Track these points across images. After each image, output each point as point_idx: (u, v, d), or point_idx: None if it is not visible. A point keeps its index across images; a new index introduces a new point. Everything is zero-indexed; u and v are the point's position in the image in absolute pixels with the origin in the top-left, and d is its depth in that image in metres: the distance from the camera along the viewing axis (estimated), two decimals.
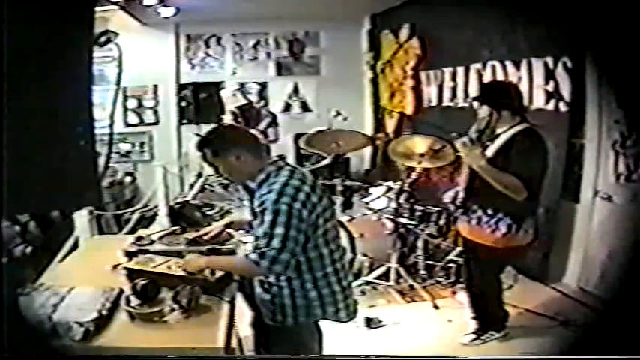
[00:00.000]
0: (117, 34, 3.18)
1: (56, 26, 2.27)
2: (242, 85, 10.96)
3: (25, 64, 2.23)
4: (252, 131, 7.85)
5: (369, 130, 11.38)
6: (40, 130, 2.30)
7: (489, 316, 5.37)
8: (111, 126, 3.03)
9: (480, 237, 4.99)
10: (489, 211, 4.89)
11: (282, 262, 3.36)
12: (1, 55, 2.13)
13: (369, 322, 5.80)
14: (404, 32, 9.73)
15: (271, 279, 3.63)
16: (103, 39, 3.11)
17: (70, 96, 2.36)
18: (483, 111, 4.87)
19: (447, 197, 5.33)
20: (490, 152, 4.82)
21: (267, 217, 3.38)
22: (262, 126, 8.87)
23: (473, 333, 5.38)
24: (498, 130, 4.86)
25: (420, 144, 7.09)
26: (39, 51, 2.25)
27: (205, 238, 4.23)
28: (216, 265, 3.71)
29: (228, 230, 4.32)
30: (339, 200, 7.68)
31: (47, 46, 2.26)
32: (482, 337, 5.35)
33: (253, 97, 10.83)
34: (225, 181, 8.47)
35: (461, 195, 5.14)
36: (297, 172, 3.62)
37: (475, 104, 5.03)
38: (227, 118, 9.16)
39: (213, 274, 3.61)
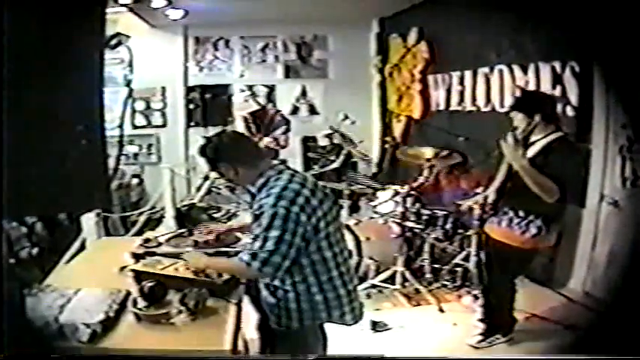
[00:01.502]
0: (128, 37, 3.20)
1: (66, 28, 2.28)
2: (253, 90, 11.00)
3: (36, 65, 2.24)
4: (267, 139, 7.92)
5: (376, 133, 11.41)
6: (49, 132, 2.31)
7: (498, 321, 5.38)
8: (120, 128, 3.04)
9: (509, 238, 5.03)
10: (521, 213, 4.95)
11: (274, 264, 3.38)
12: (1, 55, 2.14)
13: (375, 326, 5.80)
14: (412, 36, 9.72)
15: (277, 283, 3.64)
16: (114, 41, 3.12)
17: (79, 97, 2.37)
18: (518, 119, 4.96)
19: (474, 201, 5.38)
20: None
21: (264, 220, 3.39)
22: (277, 134, 8.86)
23: (480, 334, 5.40)
24: (533, 138, 4.93)
25: (427, 151, 7.13)
26: (49, 52, 2.26)
27: (211, 238, 4.25)
28: (215, 265, 3.74)
29: (237, 233, 4.33)
30: (346, 203, 7.70)
31: (57, 47, 2.27)
32: (488, 340, 5.36)
33: (261, 100, 10.82)
34: (231, 184, 8.50)
35: (492, 197, 5.18)
36: (298, 176, 3.64)
37: (511, 112, 5.08)
38: (239, 125, 9.17)
39: (221, 276, 3.63)
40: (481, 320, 5.44)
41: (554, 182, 4.69)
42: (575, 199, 6.05)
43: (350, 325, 3.82)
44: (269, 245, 3.36)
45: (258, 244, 3.39)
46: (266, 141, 8.67)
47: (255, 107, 9.19)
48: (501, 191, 5.12)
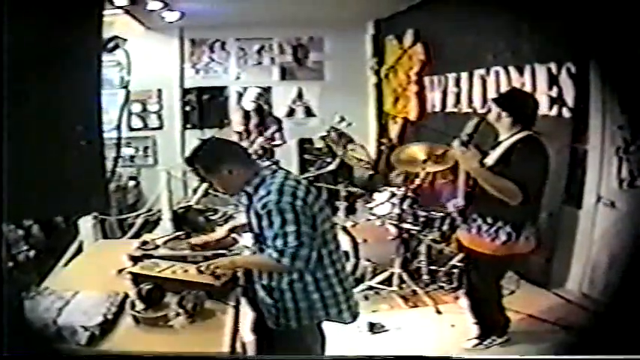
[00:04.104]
0: (125, 40, 3.19)
1: (64, 30, 2.28)
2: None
3: (31, 67, 2.24)
4: (261, 138, 7.92)
5: (372, 135, 11.41)
6: (46, 135, 2.31)
7: (490, 322, 5.38)
8: (118, 129, 3.03)
9: (479, 245, 4.99)
10: (489, 220, 4.88)
11: (303, 257, 3.43)
12: (1, 57, 2.14)
13: (372, 327, 5.80)
14: (408, 38, 9.75)
15: (273, 283, 3.66)
16: (111, 44, 3.11)
17: (77, 100, 2.36)
18: (493, 113, 4.96)
19: (451, 205, 5.37)
20: (491, 159, 4.87)
21: (276, 219, 3.43)
22: (269, 133, 8.85)
23: (475, 338, 5.39)
24: (500, 138, 4.92)
25: (419, 151, 7.12)
26: (46, 54, 2.25)
27: (210, 244, 4.25)
28: (243, 263, 3.82)
29: (233, 235, 4.33)
30: (342, 206, 7.70)
31: (54, 49, 2.26)
32: (484, 343, 5.35)
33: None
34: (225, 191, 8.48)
35: (460, 202, 5.16)
36: (291, 175, 3.71)
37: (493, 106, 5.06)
38: (236, 118, 9.17)
39: (219, 279, 3.63)
40: (476, 323, 5.44)
41: (515, 184, 4.62)
42: (553, 199, 6.08)
43: (348, 322, 3.84)
44: (292, 240, 3.40)
45: (280, 241, 3.42)
46: (260, 141, 8.67)
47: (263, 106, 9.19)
48: (469, 197, 5.09)
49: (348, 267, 6.47)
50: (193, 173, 3.80)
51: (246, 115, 8.98)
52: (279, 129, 9.00)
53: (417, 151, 7.15)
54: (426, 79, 9.40)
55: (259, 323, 3.93)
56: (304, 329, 3.73)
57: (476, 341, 5.38)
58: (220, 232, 4.39)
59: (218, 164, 3.63)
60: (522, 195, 4.62)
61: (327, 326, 3.93)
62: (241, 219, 4.10)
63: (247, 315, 4.06)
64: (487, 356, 5.38)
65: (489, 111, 5.11)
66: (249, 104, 8.94)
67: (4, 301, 2.43)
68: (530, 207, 4.84)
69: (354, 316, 3.87)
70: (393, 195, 7.07)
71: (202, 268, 3.69)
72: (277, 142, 8.86)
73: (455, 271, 6.83)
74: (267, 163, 3.79)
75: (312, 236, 3.47)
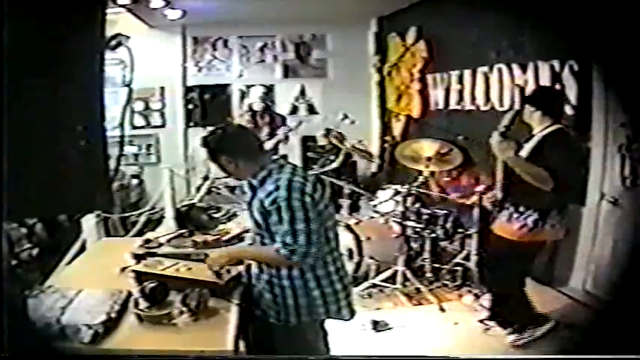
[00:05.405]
0: (128, 38, 3.18)
1: (66, 28, 2.28)
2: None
3: (34, 65, 2.24)
4: (272, 141, 7.91)
5: (375, 133, 11.40)
6: (49, 133, 2.31)
7: (516, 314, 5.42)
8: (121, 128, 3.03)
9: (509, 232, 5.14)
10: (521, 208, 5.07)
11: (313, 255, 3.47)
12: (1, 56, 2.14)
13: (376, 325, 5.80)
14: (411, 35, 9.72)
15: (274, 279, 3.66)
16: (114, 42, 3.11)
17: (80, 98, 2.36)
18: (527, 110, 5.14)
19: (486, 199, 5.48)
20: (525, 151, 5.06)
21: (285, 215, 3.43)
22: (287, 129, 8.87)
23: (511, 333, 5.40)
24: (534, 132, 5.10)
25: (427, 147, 7.11)
26: (49, 53, 2.25)
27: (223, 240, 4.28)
28: (252, 255, 3.83)
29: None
30: (346, 203, 7.69)
31: (57, 48, 2.26)
32: (524, 336, 5.37)
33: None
34: (231, 184, 8.50)
35: (498, 195, 5.35)
36: (299, 170, 3.70)
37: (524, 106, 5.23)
38: (245, 118, 9.18)
39: (220, 277, 3.63)
40: (499, 321, 5.48)
41: (547, 171, 4.79)
42: (575, 196, 6.07)
43: (347, 320, 3.84)
44: (301, 239, 3.42)
45: (290, 239, 3.43)
46: (272, 143, 8.70)
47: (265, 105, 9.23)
48: (506, 189, 5.24)
49: (352, 265, 6.50)
50: (206, 153, 3.80)
51: (254, 115, 9.00)
52: (289, 128, 9.02)
53: (425, 147, 7.16)
54: (429, 77, 9.37)
55: (260, 320, 3.93)
56: (305, 326, 3.73)
57: (513, 336, 5.40)
58: (235, 231, 4.42)
59: (220, 154, 3.65)
60: (553, 181, 4.82)
61: (330, 324, 3.93)
62: (243, 217, 4.11)
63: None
64: (488, 356, 5.37)
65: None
66: (257, 105, 8.94)
67: (7, 299, 2.44)
68: (559, 196, 5.02)
69: (352, 313, 3.88)
70: (397, 192, 7.07)
71: (215, 255, 3.72)
72: (285, 141, 8.87)
73: (458, 268, 6.84)
74: (275, 156, 3.78)
75: (320, 233, 3.49)
